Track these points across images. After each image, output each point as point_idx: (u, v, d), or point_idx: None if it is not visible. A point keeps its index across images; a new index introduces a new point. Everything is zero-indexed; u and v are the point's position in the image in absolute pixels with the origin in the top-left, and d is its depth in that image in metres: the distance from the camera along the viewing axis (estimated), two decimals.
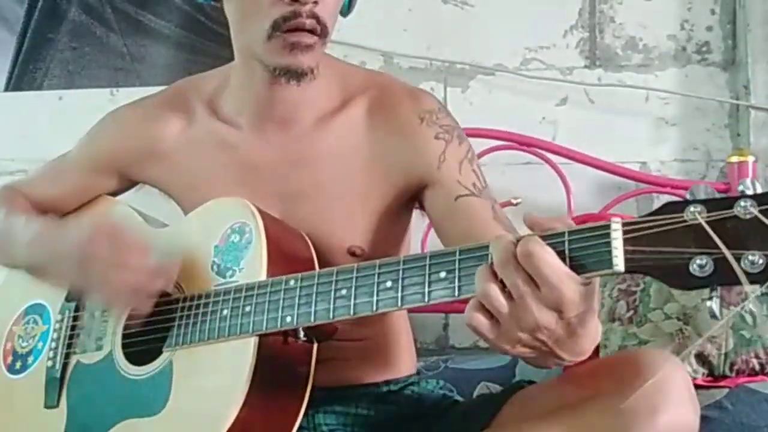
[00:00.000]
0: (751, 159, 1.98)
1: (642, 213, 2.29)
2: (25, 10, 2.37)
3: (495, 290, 0.75)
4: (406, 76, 2.17)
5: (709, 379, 1.57)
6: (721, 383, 1.54)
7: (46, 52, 2.37)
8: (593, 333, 0.80)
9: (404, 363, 1.23)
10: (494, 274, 0.75)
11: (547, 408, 0.92)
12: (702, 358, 1.56)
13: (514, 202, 1.97)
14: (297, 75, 1.04)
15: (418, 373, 1.26)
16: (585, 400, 0.88)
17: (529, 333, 0.75)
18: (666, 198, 2.09)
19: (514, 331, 0.75)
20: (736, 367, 1.55)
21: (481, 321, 0.76)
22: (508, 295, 0.74)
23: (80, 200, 1.24)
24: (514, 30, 2.16)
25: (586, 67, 2.16)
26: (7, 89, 2.37)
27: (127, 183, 1.25)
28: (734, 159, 1.99)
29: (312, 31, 1.01)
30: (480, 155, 1.99)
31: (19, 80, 2.38)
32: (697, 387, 1.53)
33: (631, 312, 1.65)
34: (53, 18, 2.35)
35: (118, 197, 1.26)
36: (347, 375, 1.14)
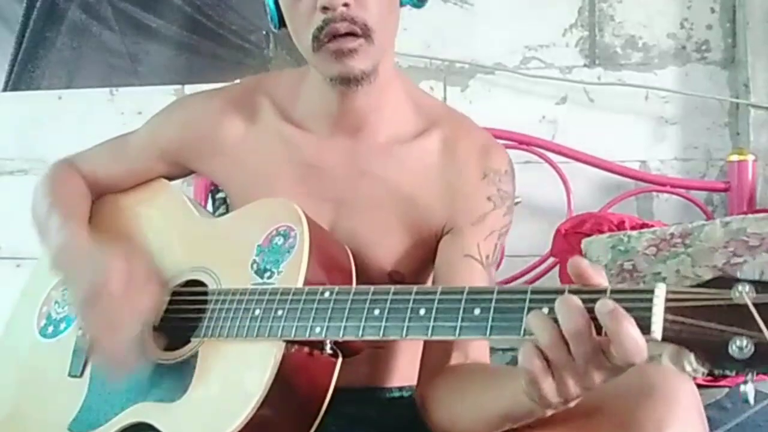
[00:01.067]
0: (751, 158, 1.98)
1: (642, 212, 2.29)
2: (24, 9, 2.37)
3: (562, 348, 0.74)
4: (406, 74, 2.16)
5: (709, 378, 1.57)
6: (721, 382, 1.54)
7: (44, 51, 2.37)
8: None
9: (417, 369, 1.23)
10: (557, 327, 0.74)
11: (554, 419, 0.91)
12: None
13: (514, 201, 1.97)
14: (351, 80, 1.03)
15: None
16: (592, 412, 0.87)
17: (582, 390, 0.75)
18: (666, 197, 2.10)
19: (569, 388, 0.75)
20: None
21: (542, 369, 0.75)
22: (570, 355, 0.74)
23: (137, 181, 1.26)
24: (514, 29, 2.16)
25: (585, 65, 2.16)
26: (5, 89, 2.37)
27: (186, 171, 1.26)
28: (734, 158, 1.99)
29: (351, 34, 1.00)
30: None
31: (17, 79, 2.38)
32: (697, 386, 1.54)
33: None
34: (52, 17, 2.36)
35: (174, 182, 1.27)
36: (359, 377, 1.14)
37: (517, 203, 1.96)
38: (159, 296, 1.03)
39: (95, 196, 1.26)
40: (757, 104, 2.04)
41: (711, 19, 2.13)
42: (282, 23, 1.08)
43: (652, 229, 1.80)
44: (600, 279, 0.76)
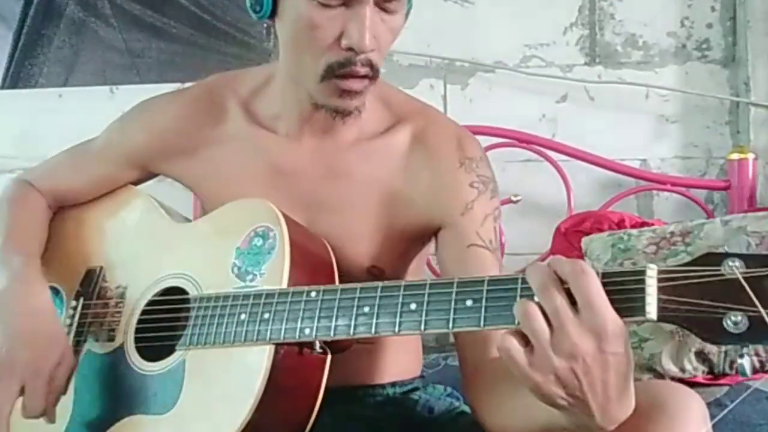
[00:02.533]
0: (751, 156, 1.98)
1: (642, 210, 2.29)
2: (22, 7, 2.36)
3: (536, 312, 0.73)
4: (405, 73, 2.17)
5: (710, 377, 1.57)
6: (722, 381, 1.55)
7: (42, 48, 2.36)
8: (627, 405, 0.77)
9: (411, 365, 1.23)
10: (533, 302, 0.74)
11: None
12: (702, 356, 1.56)
13: (514, 199, 1.97)
14: (343, 115, 1.04)
15: (422, 376, 1.25)
16: None
17: (565, 359, 0.73)
18: (666, 195, 2.10)
19: (550, 358, 0.73)
20: (736, 366, 1.55)
21: (515, 345, 0.74)
22: (547, 321, 0.73)
23: (102, 191, 1.23)
24: (514, 27, 2.16)
25: (586, 64, 2.16)
26: (3, 87, 2.37)
27: (152, 175, 1.23)
28: (734, 156, 1.99)
29: (365, 76, 1.01)
30: None
31: (15, 77, 2.37)
32: (698, 385, 1.54)
33: None
34: (50, 14, 2.35)
35: (140, 186, 1.24)
36: (352, 375, 1.13)
37: (517, 201, 1.98)
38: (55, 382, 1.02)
39: (57, 210, 1.23)
40: (758, 103, 2.04)
41: (711, 18, 2.13)
42: (271, 15, 1.05)
43: (652, 228, 1.80)
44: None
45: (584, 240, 1.85)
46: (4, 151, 2.28)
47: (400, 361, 1.20)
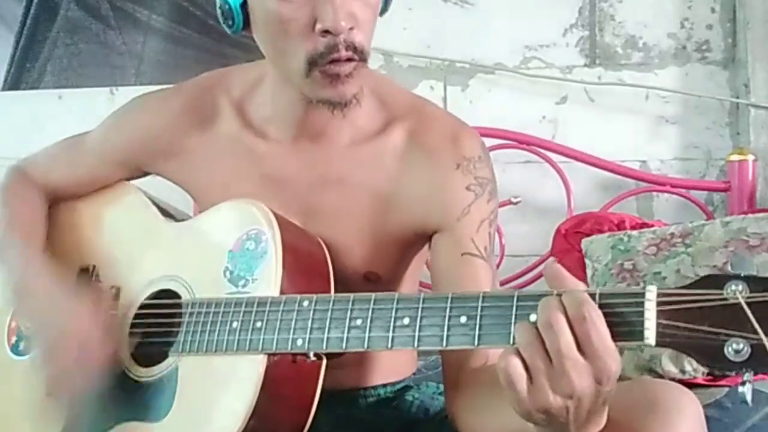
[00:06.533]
0: (751, 158, 1.98)
1: (642, 212, 2.29)
2: (23, 8, 2.36)
3: (539, 348, 0.71)
4: (406, 74, 2.18)
5: (710, 378, 1.57)
6: (721, 382, 1.54)
7: (43, 50, 2.36)
8: (603, 418, 0.77)
9: (405, 366, 1.23)
10: (537, 331, 0.72)
11: None
12: None
13: (514, 200, 1.97)
14: (341, 105, 1.00)
15: (416, 372, 1.25)
16: (604, 428, 0.87)
17: (561, 398, 0.71)
18: (666, 197, 2.10)
19: (546, 395, 0.72)
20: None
21: (519, 371, 0.72)
22: (548, 357, 0.71)
23: (95, 186, 1.21)
24: (514, 28, 2.16)
25: (586, 65, 2.16)
26: (3, 88, 2.37)
27: (143, 174, 1.22)
28: (734, 157, 1.99)
29: (351, 59, 0.97)
30: None
31: (16, 78, 2.37)
32: (698, 386, 1.54)
33: None
34: (50, 15, 2.35)
35: (135, 182, 1.23)
36: (347, 378, 1.13)
37: (517, 203, 1.98)
38: (117, 343, 1.02)
39: (51, 204, 1.22)
40: (757, 104, 2.04)
41: (711, 19, 2.13)
42: (244, 26, 1.02)
43: (652, 229, 1.80)
44: (576, 285, 0.74)
45: (584, 241, 1.85)
46: (4, 152, 2.27)
47: (392, 362, 1.19)
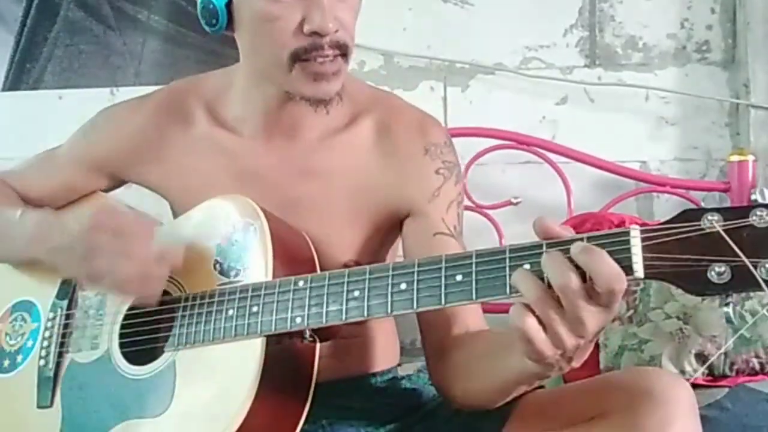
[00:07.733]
0: (751, 158, 1.98)
1: (642, 212, 2.28)
2: (23, 9, 2.36)
3: (549, 301, 0.75)
4: (405, 75, 2.18)
5: (709, 378, 1.57)
6: (721, 383, 1.55)
7: (42, 50, 2.36)
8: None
9: (391, 353, 1.25)
10: (545, 285, 0.76)
11: (559, 422, 0.93)
12: (702, 358, 1.56)
13: (514, 201, 1.97)
14: (324, 102, 1.04)
15: (400, 364, 1.27)
16: (599, 416, 0.90)
17: (576, 338, 0.76)
18: (666, 197, 2.10)
19: (563, 340, 0.76)
20: (736, 367, 1.55)
21: (535, 326, 0.76)
22: (560, 306, 0.75)
23: (69, 197, 1.23)
24: (514, 29, 2.16)
25: (586, 66, 2.16)
26: (3, 88, 2.37)
27: (119, 182, 1.24)
28: (734, 158, 1.99)
29: (337, 56, 1.01)
30: (480, 154, 2.00)
31: (16, 79, 2.37)
32: (697, 386, 1.54)
33: (631, 311, 1.64)
34: (50, 16, 2.35)
35: (111, 193, 1.25)
36: (342, 368, 1.15)
37: (517, 203, 1.98)
38: (152, 238, 1.00)
39: None
40: (757, 104, 2.04)
41: (711, 20, 2.13)
42: (228, 26, 1.05)
43: None
44: (566, 231, 0.78)
45: None
46: (4, 152, 2.27)
47: (385, 350, 1.22)
